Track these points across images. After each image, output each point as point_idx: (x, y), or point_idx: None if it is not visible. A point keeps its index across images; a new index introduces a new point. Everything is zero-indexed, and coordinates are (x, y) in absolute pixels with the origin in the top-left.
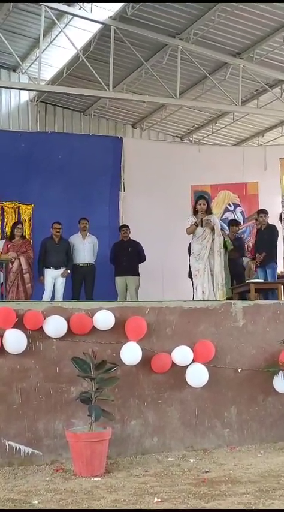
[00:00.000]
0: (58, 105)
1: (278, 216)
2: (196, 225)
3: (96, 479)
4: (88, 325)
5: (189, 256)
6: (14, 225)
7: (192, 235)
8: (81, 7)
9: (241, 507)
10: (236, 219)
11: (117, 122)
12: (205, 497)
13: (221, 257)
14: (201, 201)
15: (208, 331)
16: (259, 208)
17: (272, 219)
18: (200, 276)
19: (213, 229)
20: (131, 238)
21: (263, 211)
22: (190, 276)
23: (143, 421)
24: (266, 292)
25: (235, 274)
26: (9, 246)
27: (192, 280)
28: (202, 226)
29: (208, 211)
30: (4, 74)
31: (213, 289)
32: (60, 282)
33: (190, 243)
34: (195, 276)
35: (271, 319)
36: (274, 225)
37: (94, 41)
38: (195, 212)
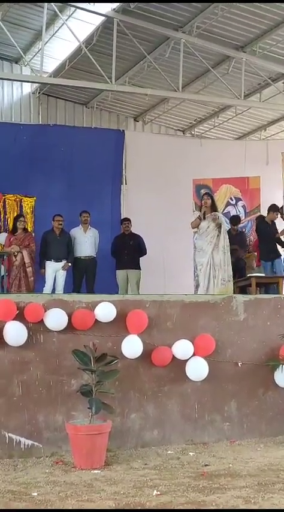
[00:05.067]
0: (60, 98)
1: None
2: (199, 218)
3: (95, 471)
4: (90, 321)
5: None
6: (17, 217)
7: (196, 231)
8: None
9: (240, 501)
10: (238, 213)
11: (119, 115)
12: (205, 491)
13: (227, 254)
14: (205, 196)
15: (208, 325)
16: (272, 204)
17: None
18: (203, 271)
19: (219, 226)
20: (132, 231)
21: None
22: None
23: (143, 414)
24: (268, 286)
25: (237, 268)
26: (11, 239)
27: (194, 273)
28: (204, 218)
29: (213, 207)
30: (6, 66)
31: (214, 284)
32: (61, 275)
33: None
34: (199, 271)
35: (271, 314)
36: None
37: (97, 33)
38: (201, 208)
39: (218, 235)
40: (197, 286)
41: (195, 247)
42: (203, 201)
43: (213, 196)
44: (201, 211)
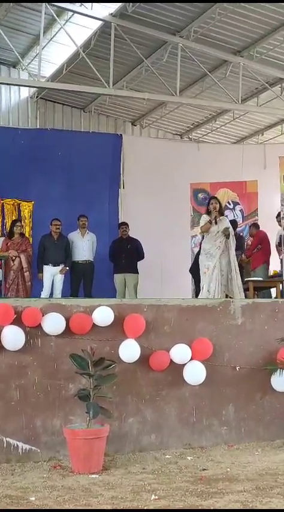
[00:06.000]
0: (58, 102)
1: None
2: (210, 222)
3: (93, 476)
4: (87, 325)
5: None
6: (13, 222)
7: (204, 234)
8: (81, 4)
9: (238, 505)
10: (236, 217)
11: (117, 119)
12: (203, 495)
13: (235, 259)
14: (213, 200)
15: (206, 329)
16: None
17: (271, 218)
18: (209, 274)
19: (228, 234)
20: (130, 235)
21: None
22: (190, 270)
23: (141, 419)
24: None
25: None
26: (8, 244)
27: (191, 275)
28: (216, 223)
29: (221, 211)
30: (4, 70)
31: (220, 289)
32: (59, 279)
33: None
34: (204, 274)
35: (269, 318)
36: None
37: (95, 38)
38: (208, 212)
39: (226, 241)
40: (195, 290)
41: (202, 249)
42: (212, 206)
43: (219, 200)
44: (210, 216)
